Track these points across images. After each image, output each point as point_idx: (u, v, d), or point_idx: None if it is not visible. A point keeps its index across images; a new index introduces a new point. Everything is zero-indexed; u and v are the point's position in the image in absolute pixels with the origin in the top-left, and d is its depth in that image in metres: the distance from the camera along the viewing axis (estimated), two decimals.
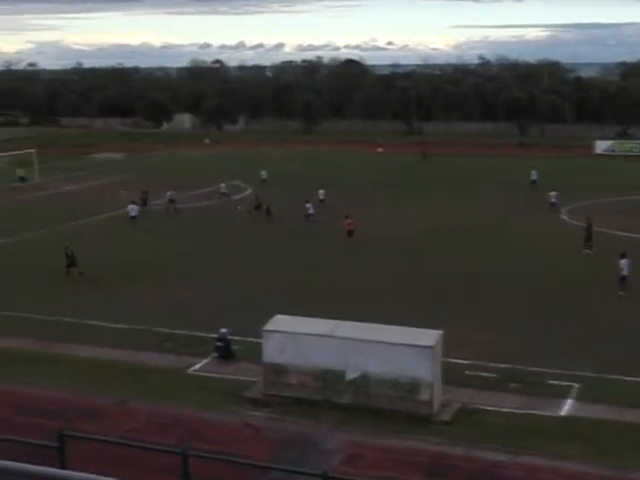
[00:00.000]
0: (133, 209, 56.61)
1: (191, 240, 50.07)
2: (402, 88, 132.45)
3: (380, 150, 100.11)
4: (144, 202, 60.48)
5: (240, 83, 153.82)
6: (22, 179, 75.59)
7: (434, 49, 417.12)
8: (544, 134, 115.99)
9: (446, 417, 24.04)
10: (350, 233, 48.70)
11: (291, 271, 42.19)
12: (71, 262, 42.01)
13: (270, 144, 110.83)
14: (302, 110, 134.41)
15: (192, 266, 43.54)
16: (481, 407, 24.76)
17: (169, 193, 61.24)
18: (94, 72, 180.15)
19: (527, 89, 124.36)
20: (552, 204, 58.59)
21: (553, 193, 59.51)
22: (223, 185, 65.88)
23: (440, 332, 25.01)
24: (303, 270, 42.38)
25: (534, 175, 69.30)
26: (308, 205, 54.86)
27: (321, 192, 61.41)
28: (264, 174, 75.77)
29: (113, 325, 33.40)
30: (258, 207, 56.92)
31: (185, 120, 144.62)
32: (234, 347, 29.61)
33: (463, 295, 37.35)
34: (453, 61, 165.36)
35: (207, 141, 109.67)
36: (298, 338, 25.18)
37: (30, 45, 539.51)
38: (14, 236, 51.34)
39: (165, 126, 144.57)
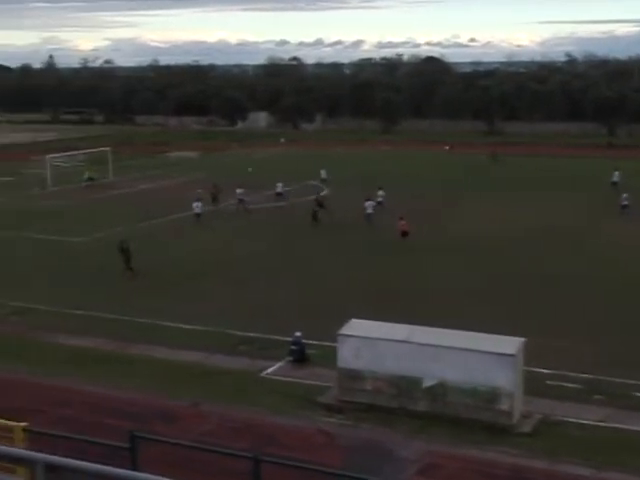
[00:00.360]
0: (197, 206, 57.44)
1: (263, 241, 50.44)
2: (484, 87, 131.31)
3: (447, 148, 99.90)
4: (214, 198, 61.26)
5: (317, 81, 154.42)
6: (90, 179, 77.19)
7: (518, 46, 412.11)
8: (632, 135, 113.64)
9: (527, 428, 23.77)
10: (404, 234, 49.27)
11: (364, 273, 42.17)
12: (127, 257, 42.71)
13: (347, 144, 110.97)
14: (381, 109, 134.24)
15: (264, 267, 43.88)
16: (563, 419, 24.41)
17: (238, 191, 61.97)
18: (170, 69, 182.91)
19: (616, 87, 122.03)
20: (624, 206, 57.72)
21: (625, 195, 58.72)
22: (280, 185, 65.39)
23: (522, 339, 24.74)
24: (376, 272, 42.33)
25: (616, 177, 68.14)
26: (367, 204, 55.17)
27: (380, 193, 61.25)
28: (323, 173, 76.22)
29: (186, 326, 33.87)
30: (320, 207, 56.96)
31: (261, 119, 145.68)
32: (308, 351, 29.75)
33: (543, 300, 36.86)
34: (538, 58, 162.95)
35: (282, 140, 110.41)
36: (374, 343, 25.18)
37: (106, 42, 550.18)
38: (87, 235, 52.42)
39: (240, 125, 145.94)
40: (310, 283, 40.66)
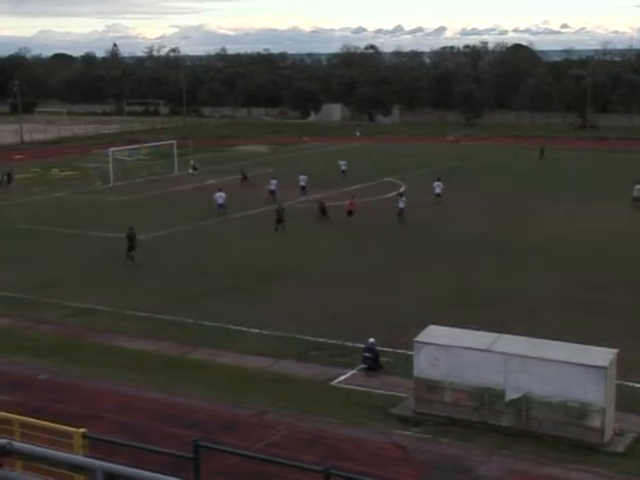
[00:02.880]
0: (220, 197, 58.02)
1: (330, 242, 50.46)
2: (576, 76, 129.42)
3: (452, 139, 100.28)
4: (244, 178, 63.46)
5: (395, 71, 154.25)
6: (195, 169, 79.64)
7: (615, 32, 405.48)
8: None
9: (619, 448, 23.35)
10: (350, 213, 56.45)
11: (439, 276, 41.94)
12: (131, 245, 45.78)
13: (426, 138, 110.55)
14: (463, 101, 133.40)
15: (334, 270, 43.90)
16: None
17: (272, 182, 62.90)
18: (239, 58, 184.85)
19: None
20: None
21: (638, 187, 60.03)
22: (274, 182, 65.42)
23: (615, 351, 24.32)
24: (452, 275, 42.05)
25: None
26: (400, 199, 56.73)
27: (437, 184, 63.18)
28: (343, 165, 77.05)
29: (254, 330, 34.09)
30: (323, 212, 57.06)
31: (334, 111, 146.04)
32: (383, 359, 29.69)
33: (639, 309, 36.20)
34: (637, 45, 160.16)
35: (358, 134, 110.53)
36: (453, 351, 25.00)
37: (173, 30, 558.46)
38: (152, 232, 53.01)
39: (313, 117, 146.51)
40: (386, 287, 40.56)
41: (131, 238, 46.03)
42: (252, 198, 64.35)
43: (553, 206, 60.80)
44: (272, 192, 63.16)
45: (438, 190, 62.73)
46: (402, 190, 62.43)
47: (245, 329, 34.26)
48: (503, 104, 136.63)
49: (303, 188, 65.93)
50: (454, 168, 79.85)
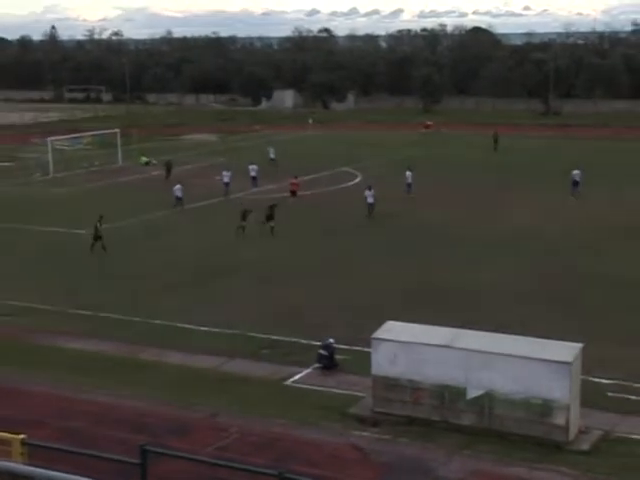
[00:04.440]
0: (179, 189, 58.00)
1: (285, 237, 50.44)
2: (538, 61, 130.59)
3: (429, 124, 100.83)
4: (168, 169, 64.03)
5: (350, 55, 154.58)
6: (147, 164, 79.09)
7: (578, 14, 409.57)
8: None
9: (584, 446, 23.60)
10: (293, 193, 59.90)
11: (398, 270, 42.12)
12: (97, 235, 46.46)
13: (383, 125, 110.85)
14: (421, 86, 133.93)
15: (288, 265, 43.93)
16: (627, 436, 24.21)
17: (224, 173, 62.73)
18: (186, 42, 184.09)
19: None
20: (574, 183, 61.30)
21: (576, 172, 61.63)
22: (226, 174, 64.14)
23: (579, 345, 24.57)
24: (411, 269, 42.23)
25: None
26: (367, 193, 55.24)
27: (408, 174, 62.58)
28: (272, 152, 77.58)
29: (204, 328, 34.00)
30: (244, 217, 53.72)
31: (287, 97, 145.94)
32: (339, 357, 29.75)
33: (605, 303, 36.60)
34: (601, 28, 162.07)
35: (310, 121, 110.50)
36: (412, 348, 25.11)
37: (116, 12, 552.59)
38: (87, 228, 52.54)
39: (264, 104, 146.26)
40: (339, 282, 40.65)
41: (97, 228, 46.80)
42: (205, 190, 64.06)
43: (515, 196, 61.29)
44: (226, 184, 62.91)
45: (409, 180, 62.37)
46: (370, 184, 61.84)
47: (195, 327, 34.15)
48: (463, 90, 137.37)
49: (254, 178, 65.86)
50: (413, 157, 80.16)
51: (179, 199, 58.12)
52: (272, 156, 77.40)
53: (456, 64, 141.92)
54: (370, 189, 55.37)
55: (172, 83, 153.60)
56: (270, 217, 50.58)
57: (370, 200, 54.83)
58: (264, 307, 36.75)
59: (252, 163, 67.07)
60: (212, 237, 50.21)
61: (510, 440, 23.62)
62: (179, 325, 34.48)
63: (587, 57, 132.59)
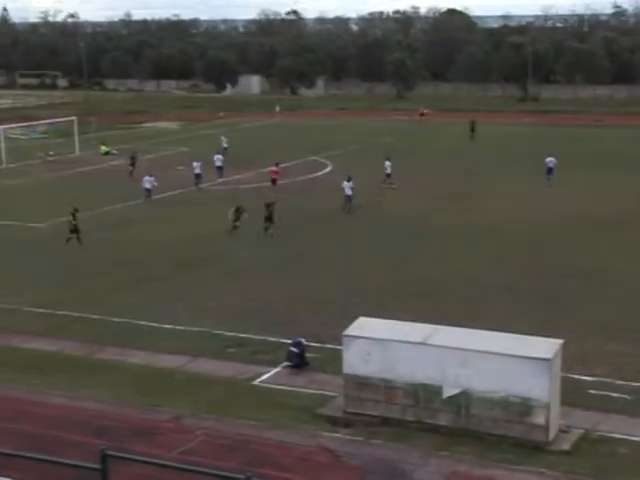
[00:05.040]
0: (148, 181, 57.74)
1: (253, 230, 50.35)
2: (516, 45, 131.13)
3: (425, 112, 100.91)
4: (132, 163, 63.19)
5: (319, 39, 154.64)
6: (107, 154, 78.44)
7: None
8: None
9: (565, 446, 23.77)
10: (273, 181, 60.86)
11: (374, 265, 42.21)
12: (73, 228, 46.45)
13: (354, 113, 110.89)
14: (394, 72, 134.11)
15: (257, 259, 43.89)
16: (609, 435, 24.39)
17: (195, 164, 62.49)
18: (146, 25, 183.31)
19: None
20: (548, 170, 62.34)
21: (550, 159, 62.61)
22: (196, 164, 63.49)
23: (560, 341, 24.73)
24: (385, 263, 42.36)
25: None
26: (346, 184, 54.47)
27: (387, 164, 62.55)
28: (224, 142, 77.56)
29: (168, 326, 33.90)
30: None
31: (253, 83, 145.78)
32: (310, 355, 29.78)
33: (586, 297, 36.87)
34: (580, 11, 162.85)
35: (278, 108, 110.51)
36: (386, 345, 25.16)
37: None
38: (49, 220, 52.33)
39: (229, 90, 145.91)
40: (311, 277, 40.67)
41: (72, 221, 46.89)
42: (168, 181, 63.83)
43: (493, 185, 61.65)
44: (197, 176, 62.48)
45: (389, 170, 62.37)
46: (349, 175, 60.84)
47: (159, 325, 34.05)
48: (437, 75, 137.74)
49: (220, 168, 65.74)
50: (387, 145, 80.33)
51: (148, 191, 57.68)
52: (225, 145, 77.34)
53: (430, 48, 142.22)
54: (349, 180, 54.52)
55: (132, 68, 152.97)
56: (269, 218, 48.17)
57: (348, 192, 54.06)
58: (231, 303, 36.69)
59: (218, 153, 66.96)
60: (177, 230, 50.00)
61: (488, 440, 23.73)
62: (142, 323, 34.35)
63: (566, 41, 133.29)
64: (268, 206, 48.49)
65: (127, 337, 32.86)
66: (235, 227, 48.59)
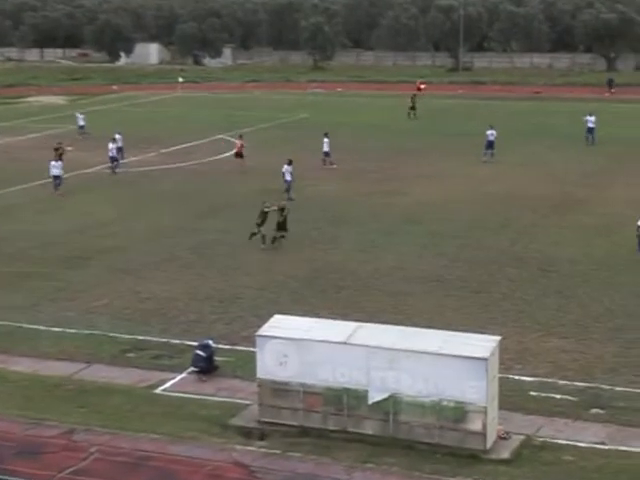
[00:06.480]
0: (55, 167, 56.84)
1: (157, 215, 50.10)
2: (445, 8, 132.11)
3: (423, 86, 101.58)
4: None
5: (225, 1, 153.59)
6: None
7: None
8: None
9: (505, 454, 24.02)
10: (238, 155, 61.44)
11: (290, 256, 42.24)
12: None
13: (266, 85, 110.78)
14: (309, 39, 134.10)
15: (157, 252, 43.57)
16: (552, 440, 24.68)
17: (111, 146, 61.90)
18: None
19: (618, 8, 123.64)
20: (489, 143, 64.27)
21: (490, 131, 63.97)
22: (113, 146, 62.92)
23: (497, 338, 24.99)
24: (303, 253, 42.41)
25: (590, 122, 70.34)
26: (286, 168, 54.09)
27: (326, 141, 62.84)
28: (81, 119, 77.39)
29: (56, 329, 33.52)
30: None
31: (151, 52, 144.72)
32: (218, 359, 29.71)
33: (522, 289, 37.36)
34: None
35: (181, 80, 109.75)
36: (305, 346, 25.19)
37: None
38: None
39: (124, 60, 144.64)
40: (222, 271, 40.54)
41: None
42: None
43: (424, 165, 62.13)
44: (113, 159, 61.67)
45: (326, 148, 62.54)
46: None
47: (45, 328, 33.65)
48: (359, 42, 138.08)
49: (119, 149, 65.10)
50: (304, 122, 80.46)
51: (57, 178, 56.46)
52: (81, 123, 76.81)
53: (350, 12, 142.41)
54: (290, 164, 53.96)
55: (11, 35, 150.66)
56: (282, 226, 44.29)
57: (288, 177, 53.69)
58: (128, 302, 36.43)
59: (118, 133, 66.15)
60: (66, 220, 49.46)
61: (419, 450, 23.87)
62: (25, 325, 33.92)
63: (501, 4, 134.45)
64: (282, 210, 44.29)
65: (8, 342, 32.39)
66: (255, 234, 43.99)
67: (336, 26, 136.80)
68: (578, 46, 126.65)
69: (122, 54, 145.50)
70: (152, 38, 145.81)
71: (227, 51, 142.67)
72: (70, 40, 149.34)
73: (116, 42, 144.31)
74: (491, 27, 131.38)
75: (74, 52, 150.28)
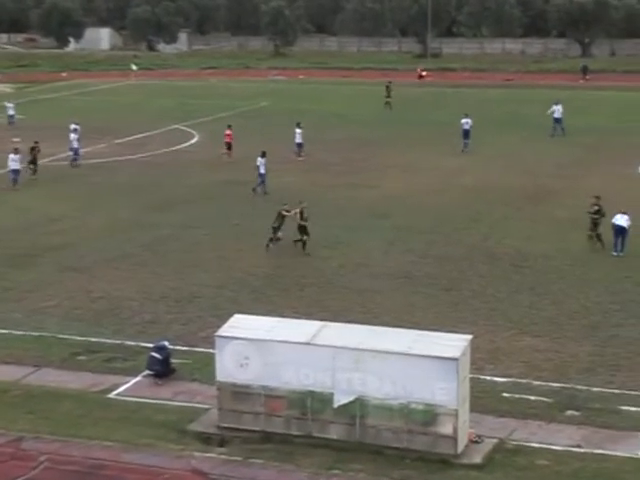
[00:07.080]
0: (14, 160, 56.29)
1: (111, 210, 49.93)
2: None
3: (425, 73, 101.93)
4: (32, 161, 60.08)
5: None
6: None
7: None
8: (616, 55, 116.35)
9: (477, 458, 24.11)
10: (228, 146, 61.57)
11: (249, 252, 42.16)
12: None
13: (224, 72, 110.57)
14: (269, 24, 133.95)
15: (108, 249, 43.39)
16: (526, 444, 24.81)
17: (72, 136, 61.51)
18: None
19: None
20: (465, 132, 65.20)
21: (465, 120, 65.11)
22: (74, 136, 62.90)
23: (468, 337, 25.07)
24: (263, 250, 42.36)
25: (557, 112, 70.67)
26: (260, 161, 53.81)
27: (298, 131, 63.15)
28: (11, 108, 77.14)
29: (3, 331, 33.32)
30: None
31: (102, 38, 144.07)
32: (175, 361, 29.65)
33: (494, 285, 37.51)
34: None
35: (134, 67, 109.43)
36: (266, 347, 25.17)
37: None
38: None
39: (73, 46, 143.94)
40: (178, 268, 40.46)
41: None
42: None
43: (393, 157, 62.35)
44: (73, 150, 61.22)
45: (299, 139, 62.81)
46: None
47: None
48: (322, 27, 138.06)
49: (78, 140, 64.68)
50: (264, 110, 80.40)
51: (16, 172, 55.97)
52: (11, 112, 76.46)
53: None
54: (264, 156, 53.60)
55: None
56: (304, 229, 42.66)
57: (262, 170, 53.39)
58: (78, 302, 36.25)
59: (75, 123, 65.62)
60: (11, 216, 49.23)
61: (387, 455, 23.93)
62: None
63: None
64: (302, 213, 42.86)
65: None
66: (272, 240, 42.85)
67: (298, 10, 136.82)
68: (551, 31, 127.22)
69: (71, 39, 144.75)
70: (103, 22, 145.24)
71: (183, 36, 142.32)
72: (16, 25, 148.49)
73: (64, 26, 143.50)
74: (460, 11, 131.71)
75: (20, 37, 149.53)
